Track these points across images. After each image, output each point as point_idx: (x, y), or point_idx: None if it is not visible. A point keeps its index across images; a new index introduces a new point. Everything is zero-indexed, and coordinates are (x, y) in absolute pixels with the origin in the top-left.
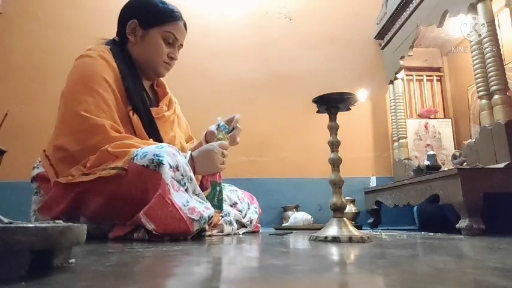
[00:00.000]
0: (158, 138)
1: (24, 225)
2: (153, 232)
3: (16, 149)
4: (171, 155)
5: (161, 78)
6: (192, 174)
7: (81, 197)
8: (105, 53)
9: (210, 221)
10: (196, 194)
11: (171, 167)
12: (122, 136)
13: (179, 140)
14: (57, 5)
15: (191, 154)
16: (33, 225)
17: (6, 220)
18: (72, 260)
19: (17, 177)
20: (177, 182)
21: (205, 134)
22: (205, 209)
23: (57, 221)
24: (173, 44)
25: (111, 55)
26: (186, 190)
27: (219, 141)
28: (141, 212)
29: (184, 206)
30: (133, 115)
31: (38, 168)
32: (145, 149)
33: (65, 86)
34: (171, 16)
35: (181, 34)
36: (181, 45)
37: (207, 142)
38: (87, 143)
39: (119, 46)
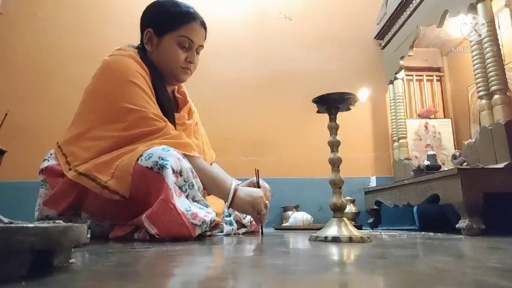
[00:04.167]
0: None
1: (25, 225)
2: (156, 236)
3: (16, 149)
4: (176, 159)
5: (183, 85)
6: (194, 180)
7: (84, 193)
8: (135, 54)
9: (212, 225)
10: (196, 201)
11: (174, 171)
12: (164, 127)
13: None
14: (57, 5)
15: (236, 188)
16: (34, 225)
17: (6, 220)
18: (72, 260)
19: (17, 177)
20: (179, 187)
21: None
22: (207, 213)
23: (57, 221)
24: (190, 47)
25: (139, 57)
26: (186, 196)
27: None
28: (144, 215)
29: (188, 211)
30: None
31: (48, 160)
32: (151, 151)
33: (97, 81)
34: (183, 19)
35: (197, 35)
36: (201, 46)
37: None
38: (133, 131)
39: (143, 52)
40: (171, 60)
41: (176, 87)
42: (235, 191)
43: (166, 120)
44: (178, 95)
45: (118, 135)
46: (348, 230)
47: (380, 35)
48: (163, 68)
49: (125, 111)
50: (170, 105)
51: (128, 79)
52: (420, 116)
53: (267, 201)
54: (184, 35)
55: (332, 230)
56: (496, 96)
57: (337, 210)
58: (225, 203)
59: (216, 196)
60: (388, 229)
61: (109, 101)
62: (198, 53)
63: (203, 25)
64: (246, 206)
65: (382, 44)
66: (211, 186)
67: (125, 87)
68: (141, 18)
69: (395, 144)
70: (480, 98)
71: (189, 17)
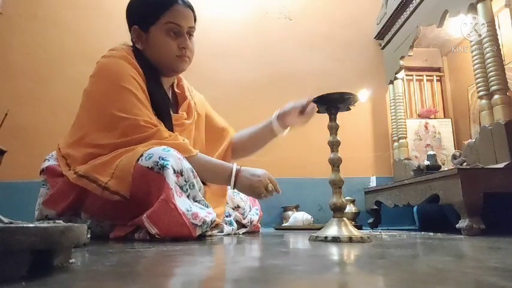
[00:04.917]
0: None
1: (25, 225)
2: (156, 236)
3: (16, 149)
4: (177, 159)
5: (183, 79)
6: (195, 180)
7: (84, 193)
8: (128, 54)
9: (212, 225)
10: (196, 201)
11: (174, 172)
12: (156, 132)
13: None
14: (57, 5)
15: (237, 169)
16: (34, 225)
17: (6, 220)
18: (72, 260)
19: (17, 177)
20: (180, 187)
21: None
22: (207, 214)
23: (57, 221)
24: (179, 32)
25: (133, 56)
26: (187, 196)
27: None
28: (144, 215)
29: (188, 211)
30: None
31: (48, 160)
32: (151, 151)
33: (91, 85)
34: (163, 6)
35: (183, 17)
36: (192, 27)
37: (283, 123)
38: (125, 138)
39: (138, 50)
40: (164, 51)
41: (176, 80)
42: (238, 171)
43: (158, 124)
44: (178, 91)
45: (113, 143)
46: (348, 230)
47: (380, 35)
48: (158, 62)
49: (116, 119)
50: (166, 106)
51: (120, 84)
52: (420, 116)
53: (268, 182)
54: (169, 21)
55: (332, 230)
56: (496, 96)
57: (337, 210)
58: (229, 185)
59: (220, 184)
60: (388, 229)
61: (101, 108)
62: (191, 36)
63: (188, 6)
64: (246, 189)
65: (382, 44)
66: (213, 175)
67: (116, 93)
68: (126, 18)
69: (395, 144)
70: (480, 98)
71: (168, 1)
